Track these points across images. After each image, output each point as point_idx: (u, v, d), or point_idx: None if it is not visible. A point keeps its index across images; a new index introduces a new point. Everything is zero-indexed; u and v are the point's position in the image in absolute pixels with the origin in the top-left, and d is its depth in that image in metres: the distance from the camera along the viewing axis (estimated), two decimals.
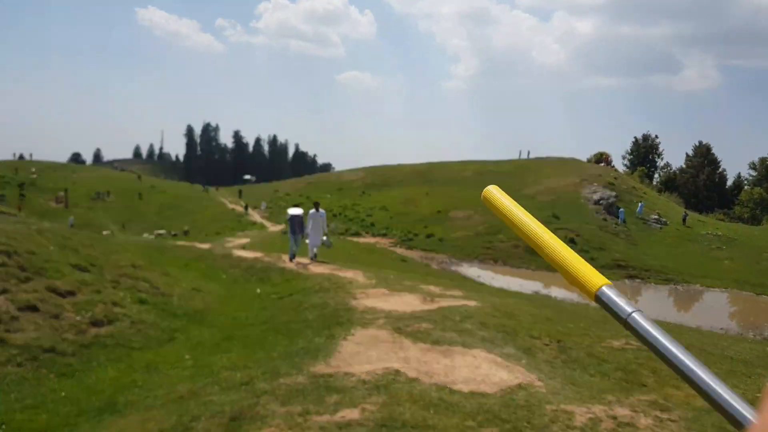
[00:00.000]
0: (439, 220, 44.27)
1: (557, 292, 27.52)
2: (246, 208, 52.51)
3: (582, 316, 10.75)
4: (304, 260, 16.09)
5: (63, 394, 5.82)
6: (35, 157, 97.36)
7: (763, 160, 76.25)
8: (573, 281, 0.78)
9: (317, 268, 14.89)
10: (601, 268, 32.83)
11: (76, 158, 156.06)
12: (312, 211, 16.06)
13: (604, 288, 0.73)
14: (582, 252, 35.30)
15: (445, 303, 9.69)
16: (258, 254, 17.90)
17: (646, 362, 6.73)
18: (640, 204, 42.70)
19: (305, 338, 7.59)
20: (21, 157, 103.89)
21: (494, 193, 0.92)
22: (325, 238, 16.24)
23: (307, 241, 16.24)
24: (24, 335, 6.98)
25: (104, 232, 48.32)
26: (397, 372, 5.38)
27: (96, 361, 7.22)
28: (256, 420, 4.01)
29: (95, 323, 8.18)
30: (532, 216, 0.85)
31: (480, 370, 5.98)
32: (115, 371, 7.03)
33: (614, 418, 4.55)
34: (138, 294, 10.21)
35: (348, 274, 13.61)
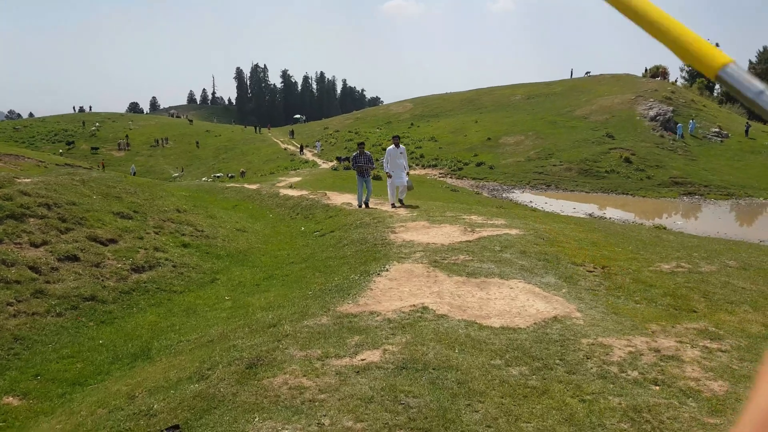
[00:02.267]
0: (489, 148, 43.10)
1: (613, 213, 26.63)
2: (301, 148, 52.53)
3: (632, 238, 10.21)
4: (385, 207, 13.67)
5: (100, 341, 5.97)
6: (95, 110, 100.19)
7: None
8: (690, 59, 0.70)
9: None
10: (658, 186, 31.75)
11: (134, 108, 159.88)
12: (391, 147, 13.77)
13: (730, 65, 0.66)
14: (638, 171, 33.91)
15: (486, 233, 9.36)
16: (304, 192, 17.92)
17: (698, 285, 6.30)
18: (691, 122, 40.02)
19: (342, 275, 7.50)
20: (81, 109, 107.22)
21: None
22: (406, 178, 13.67)
23: (390, 180, 13.63)
24: (64, 285, 7.17)
25: (174, 175, 50.00)
26: (425, 308, 5.19)
27: (136, 307, 7.39)
28: (272, 366, 3.92)
29: (136, 269, 8.35)
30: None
31: (516, 302, 5.72)
32: (154, 316, 7.18)
33: (657, 350, 4.22)
34: (181, 238, 10.37)
35: (390, 208, 13.40)
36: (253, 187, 20.95)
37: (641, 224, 22.49)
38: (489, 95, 62.65)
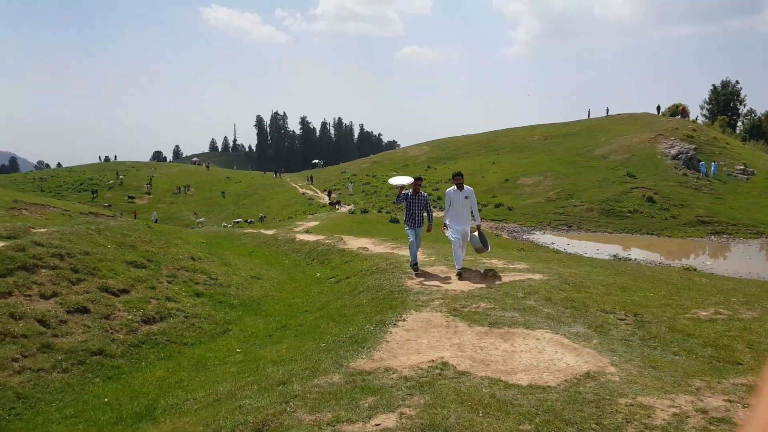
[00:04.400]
0: (508, 189, 42.81)
1: (638, 254, 25.94)
2: (329, 194, 52.59)
3: (663, 281, 9.73)
4: (448, 271, 10.02)
5: (105, 399, 5.67)
6: (119, 159, 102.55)
7: None
8: None
9: (378, 248, 14.45)
10: (684, 225, 31.06)
11: (158, 156, 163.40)
12: (450, 189, 9.78)
13: None
14: (662, 210, 33.22)
15: (507, 278, 8.98)
16: (320, 237, 17.71)
17: (740, 334, 5.83)
18: (713, 164, 39.26)
19: (356, 325, 7.15)
20: (107, 159, 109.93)
21: None
22: (476, 232, 9.77)
23: (448, 235, 9.71)
24: (72, 339, 6.93)
25: (197, 220, 50.40)
26: (445, 364, 4.82)
27: (145, 361, 7.10)
28: None
29: (147, 321, 8.10)
30: None
31: (543, 355, 5.32)
32: (162, 371, 6.87)
33: (704, 411, 3.79)
34: (194, 287, 10.14)
35: (407, 252, 13.08)
36: (270, 232, 20.83)
37: (669, 266, 21.79)
38: (506, 137, 62.77)
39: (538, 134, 59.32)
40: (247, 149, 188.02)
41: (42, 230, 10.21)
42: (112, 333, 7.46)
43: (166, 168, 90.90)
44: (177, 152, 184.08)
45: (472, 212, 9.75)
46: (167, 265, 10.71)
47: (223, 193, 64.50)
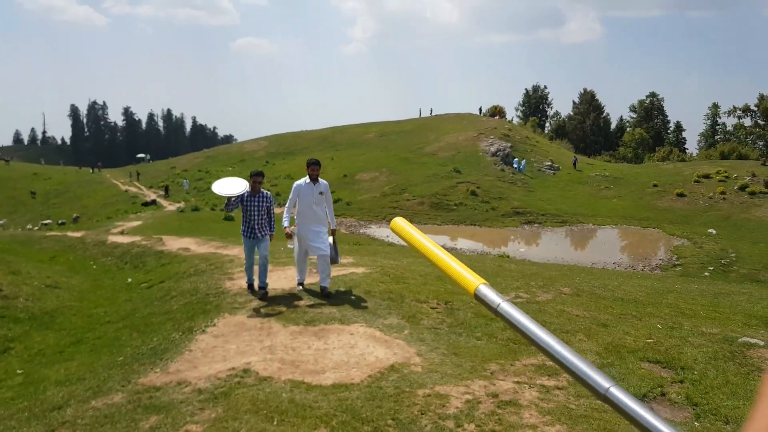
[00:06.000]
0: (346, 184, 43.41)
1: (464, 244, 27.70)
2: (166, 190, 48.32)
3: (477, 269, 10.26)
4: (294, 287, 8.00)
5: None
6: None
7: (641, 102, 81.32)
8: (459, 284, 1.03)
9: (201, 248, 13.57)
10: (502, 216, 33.71)
11: None
12: (301, 181, 7.50)
13: (480, 287, 0.97)
14: (483, 203, 35.88)
15: (332, 273, 8.85)
16: (136, 238, 16.25)
17: (535, 316, 6.24)
18: (522, 161, 43.40)
19: (162, 334, 6.50)
20: None
21: (400, 223, 1.20)
22: (331, 240, 7.57)
23: (290, 246, 8.15)
24: None
25: None
26: (246, 371, 4.47)
27: None
28: None
29: None
30: (430, 239, 1.14)
31: (355, 350, 5.21)
32: None
33: (495, 395, 3.91)
34: None
35: (233, 251, 12.45)
36: (77, 234, 18.71)
37: (487, 254, 23.56)
38: (343, 133, 63.67)
39: (374, 131, 60.98)
40: (59, 142, 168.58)
41: None
42: None
43: None
44: None
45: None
46: None
47: (33, 193, 57.11)
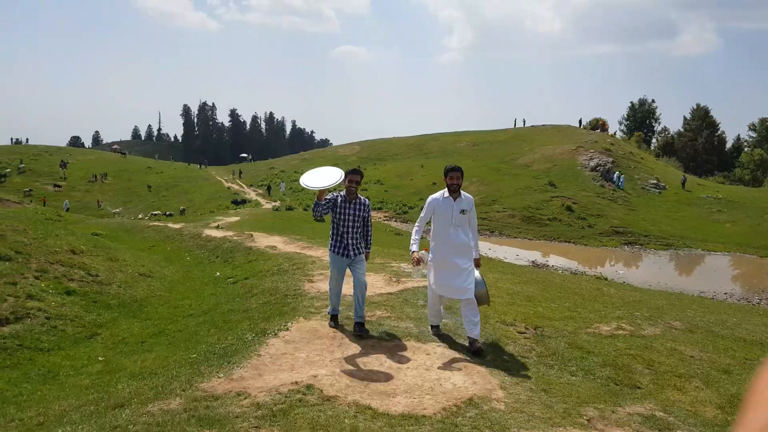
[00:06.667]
0: (435, 192, 42.80)
1: (556, 261, 26.37)
2: (269, 189, 50.42)
3: (572, 291, 9.52)
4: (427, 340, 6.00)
5: None
6: (32, 142, 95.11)
7: (763, 120, 74.44)
8: None
9: (288, 246, 13.61)
10: (599, 235, 31.91)
11: (75, 142, 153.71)
12: (437, 195, 5.97)
13: None
14: (579, 219, 34.12)
15: (412, 284, 8.45)
16: (228, 233, 16.65)
17: (641, 353, 5.52)
18: (621, 176, 40.71)
19: (237, 333, 6.37)
20: (17, 141, 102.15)
21: None
22: (477, 273, 5.86)
23: (418, 275, 6.17)
24: None
25: (113, 211, 47.34)
26: (310, 387, 4.14)
27: None
28: None
29: None
30: None
31: (430, 374, 4.77)
32: (3, 381, 5.84)
33: None
34: (67, 284, 8.98)
35: (317, 252, 12.36)
36: (177, 226, 19.51)
37: (583, 273, 22.19)
38: (435, 141, 63.22)
39: (466, 140, 60.08)
40: (172, 139, 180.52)
41: None
42: None
43: (83, 154, 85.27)
44: (97, 138, 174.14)
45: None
46: (38, 259, 9.47)
47: (150, 187, 61.06)
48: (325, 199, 5.94)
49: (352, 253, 6.03)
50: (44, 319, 7.55)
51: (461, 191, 5.79)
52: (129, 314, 8.63)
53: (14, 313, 7.38)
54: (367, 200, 6.31)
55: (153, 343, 7.08)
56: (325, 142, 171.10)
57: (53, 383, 5.88)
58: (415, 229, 5.92)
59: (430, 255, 5.79)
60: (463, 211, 5.70)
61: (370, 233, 6.35)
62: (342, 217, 6.01)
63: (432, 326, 6.05)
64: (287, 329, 5.96)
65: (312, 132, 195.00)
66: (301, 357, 5.07)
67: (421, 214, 5.95)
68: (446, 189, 5.82)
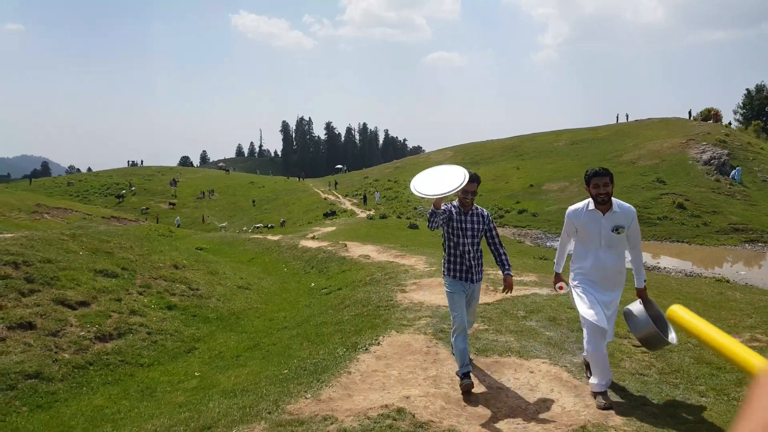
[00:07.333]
0: (532, 195, 41.48)
1: (668, 263, 24.44)
2: (365, 198, 51.50)
3: (691, 296, 8.55)
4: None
5: None
6: (146, 163, 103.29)
7: None
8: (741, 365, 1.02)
9: (381, 255, 13.43)
10: (716, 233, 29.33)
11: (185, 161, 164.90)
12: (579, 206, 4.63)
13: None
14: (693, 217, 31.52)
15: (511, 293, 7.91)
16: (323, 243, 16.80)
17: None
18: (737, 169, 37.05)
19: (328, 347, 6.19)
20: (134, 164, 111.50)
21: (680, 313, 1.28)
22: (640, 307, 4.43)
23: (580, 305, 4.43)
24: (6, 359, 6.11)
25: (220, 225, 50.35)
26: (401, 412, 3.80)
27: (88, 386, 6.23)
28: None
29: (102, 337, 7.25)
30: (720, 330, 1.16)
31: (535, 394, 4.28)
32: (103, 398, 6.00)
33: None
34: (168, 298, 9.29)
35: (410, 260, 12.08)
36: (275, 238, 20.01)
37: (699, 275, 20.31)
38: (531, 142, 61.25)
39: (564, 139, 57.69)
40: (272, 154, 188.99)
41: (7, 235, 9.51)
42: (56, 352, 6.63)
43: (191, 173, 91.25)
44: (204, 157, 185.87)
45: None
46: (143, 274, 9.89)
47: (254, 201, 64.08)
48: (444, 208, 4.85)
49: (474, 277, 4.92)
50: (146, 334, 7.79)
51: (615, 201, 4.44)
52: (226, 327, 8.76)
53: (117, 329, 7.66)
54: (485, 211, 5.15)
55: (248, 357, 7.07)
56: (417, 150, 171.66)
57: (150, 400, 5.96)
58: (558, 251, 4.90)
59: (569, 286, 4.63)
60: (617, 229, 4.34)
61: (503, 252, 5.09)
62: (459, 232, 4.88)
63: (602, 386, 4.12)
64: (378, 344, 5.68)
65: (404, 140, 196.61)
66: (393, 374, 4.76)
67: (564, 228, 4.74)
68: (590, 200, 4.49)
